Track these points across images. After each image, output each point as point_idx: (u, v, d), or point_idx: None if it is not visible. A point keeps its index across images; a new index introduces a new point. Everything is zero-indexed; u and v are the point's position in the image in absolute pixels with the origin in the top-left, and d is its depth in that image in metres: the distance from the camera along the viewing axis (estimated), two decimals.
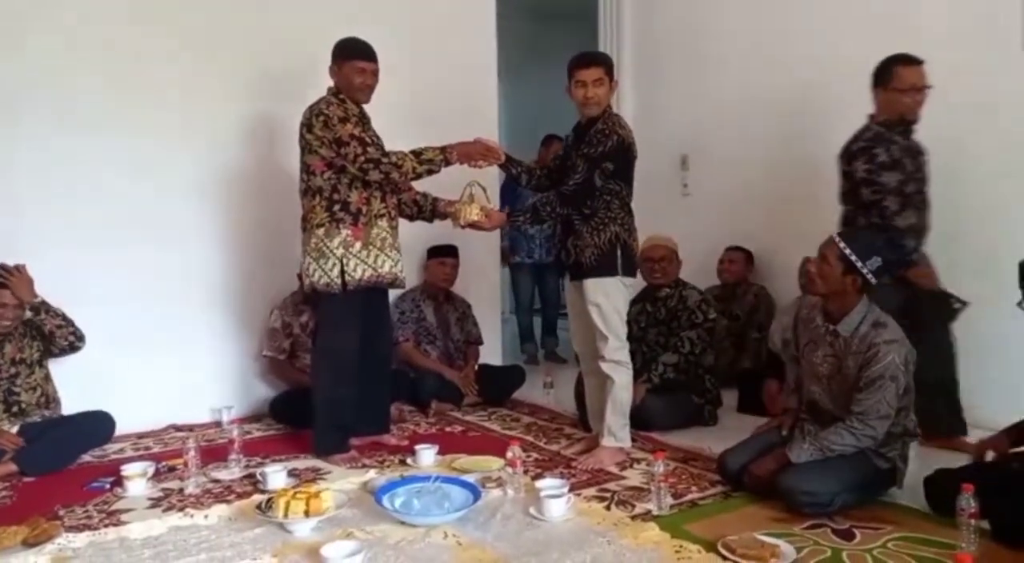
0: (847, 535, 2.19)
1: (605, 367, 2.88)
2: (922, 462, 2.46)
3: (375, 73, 2.99)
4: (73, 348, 3.14)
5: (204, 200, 3.68)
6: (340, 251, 2.91)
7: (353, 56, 2.94)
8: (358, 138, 2.85)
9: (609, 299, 2.86)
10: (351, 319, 2.96)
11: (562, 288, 5.19)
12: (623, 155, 2.85)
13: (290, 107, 3.51)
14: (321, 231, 2.92)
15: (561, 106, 6.22)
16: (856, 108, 3.72)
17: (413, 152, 2.92)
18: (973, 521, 2.00)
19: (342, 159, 2.86)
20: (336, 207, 2.91)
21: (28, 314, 3.05)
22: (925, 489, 2.36)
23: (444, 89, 4.32)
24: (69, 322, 3.12)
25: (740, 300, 4.05)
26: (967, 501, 2.00)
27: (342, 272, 2.90)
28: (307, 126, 2.92)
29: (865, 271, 2.36)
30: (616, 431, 2.88)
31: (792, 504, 2.33)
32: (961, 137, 3.26)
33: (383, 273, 2.98)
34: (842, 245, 2.38)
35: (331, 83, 3.02)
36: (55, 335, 3.08)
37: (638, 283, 3.25)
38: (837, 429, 2.36)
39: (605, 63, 2.93)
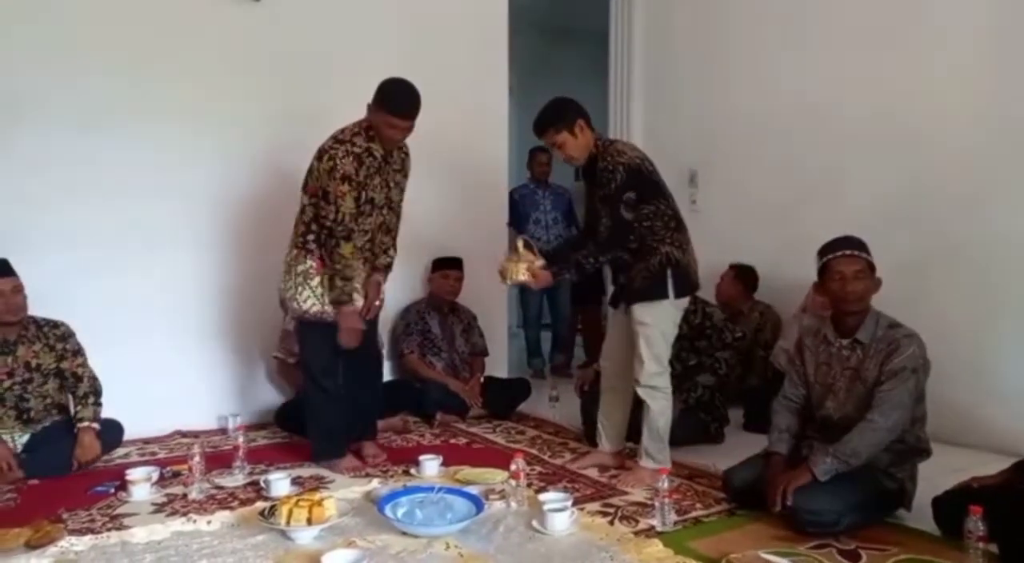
0: (853, 556, 2.17)
1: (641, 392, 2.81)
2: (931, 483, 2.43)
3: (408, 129, 2.95)
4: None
5: (217, 205, 3.71)
6: (300, 279, 2.94)
7: (392, 111, 2.88)
8: (341, 205, 2.84)
9: (657, 324, 2.79)
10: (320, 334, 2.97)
11: (573, 303, 5.21)
12: (638, 178, 2.77)
13: (299, 122, 3.58)
14: (294, 252, 2.97)
15: None
16: (865, 126, 3.76)
17: (346, 278, 2.89)
18: (981, 544, 1.98)
19: (318, 209, 2.90)
20: (311, 236, 2.94)
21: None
22: (934, 510, 2.34)
23: (454, 105, 4.35)
24: (97, 393, 3.06)
25: (745, 318, 4.03)
26: (975, 524, 1.97)
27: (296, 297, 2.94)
28: (318, 156, 2.94)
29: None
30: (655, 454, 2.82)
31: (797, 523, 2.30)
32: None
33: (329, 312, 2.93)
34: (864, 255, 2.41)
35: (363, 112, 2.99)
36: (75, 395, 3.04)
37: None
38: (858, 429, 2.31)
39: (552, 125, 2.82)
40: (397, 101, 2.88)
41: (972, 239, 3.37)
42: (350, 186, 2.84)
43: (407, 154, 3.11)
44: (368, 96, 4.19)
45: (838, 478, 2.32)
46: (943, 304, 3.38)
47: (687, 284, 2.85)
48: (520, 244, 2.88)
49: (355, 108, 4.04)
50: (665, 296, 2.78)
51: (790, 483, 2.32)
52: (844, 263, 2.40)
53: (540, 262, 2.84)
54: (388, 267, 3.13)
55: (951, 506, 2.24)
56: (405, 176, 3.12)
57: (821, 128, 3.93)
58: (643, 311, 2.80)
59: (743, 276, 4.07)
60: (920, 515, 2.41)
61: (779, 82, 4.14)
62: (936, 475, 2.49)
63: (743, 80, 4.34)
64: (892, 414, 2.30)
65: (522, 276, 2.80)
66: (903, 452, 2.40)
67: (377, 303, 3.08)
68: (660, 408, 2.82)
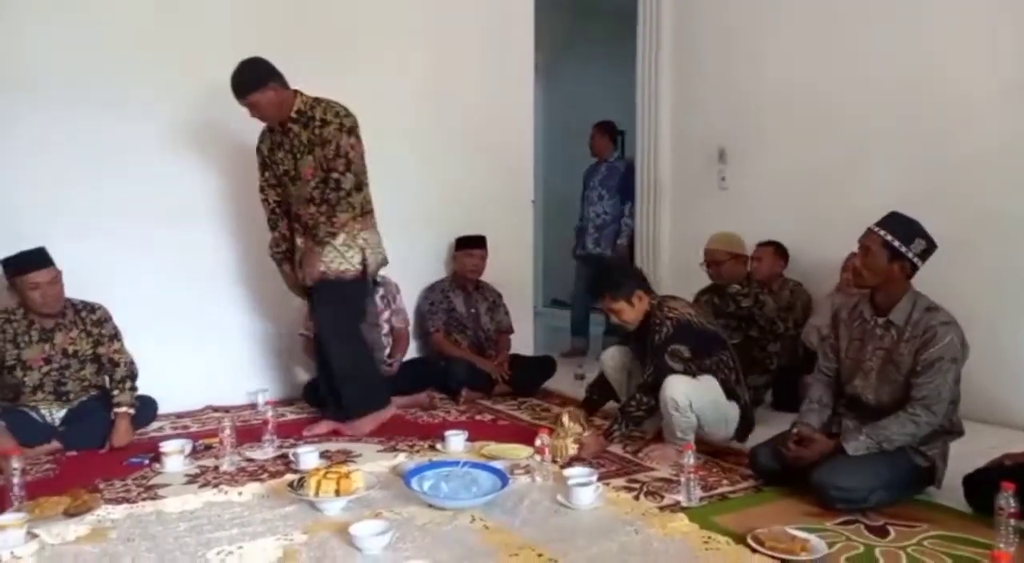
0: (881, 532, 2.15)
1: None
2: (962, 461, 2.40)
3: (249, 106, 3.01)
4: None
5: (247, 182, 3.71)
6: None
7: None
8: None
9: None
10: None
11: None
12: (687, 332, 2.81)
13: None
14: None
15: (598, 102, 6.25)
16: (895, 102, 3.67)
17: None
18: (1013, 521, 1.94)
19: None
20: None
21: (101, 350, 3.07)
22: (964, 488, 2.31)
23: (478, 83, 4.35)
24: (133, 377, 3.11)
25: (775, 296, 3.97)
26: (1007, 500, 1.94)
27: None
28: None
29: (911, 255, 2.32)
30: (678, 441, 2.81)
31: (825, 500, 2.28)
32: None
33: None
34: (883, 233, 2.34)
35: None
36: (112, 379, 3.08)
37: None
38: (898, 418, 2.29)
39: (611, 296, 2.89)
40: (233, 91, 3.00)
41: (1001, 219, 3.30)
42: (259, 157, 3.19)
43: (322, 121, 3.02)
44: (391, 73, 4.21)
45: (869, 455, 2.30)
46: (970, 284, 3.30)
47: (749, 429, 2.95)
48: (565, 418, 2.88)
49: (378, 85, 4.07)
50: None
51: (816, 448, 2.37)
52: (863, 237, 2.39)
53: (588, 432, 2.88)
54: (317, 240, 3.11)
55: (982, 484, 2.21)
56: (322, 145, 3.02)
57: (851, 104, 3.85)
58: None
59: (782, 253, 4.01)
60: (950, 493, 2.38)
61: (809, 58, 4.05)
62: (967, 454, 2.45)
63: (772, 56, 4.25)
64: (934, 408, 2.27)
65: (572, 451, 2.80)
66: (935, 431, 2.36)
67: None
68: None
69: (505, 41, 4.49)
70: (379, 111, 4.02)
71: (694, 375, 2.82)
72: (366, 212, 3.20)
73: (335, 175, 3.01)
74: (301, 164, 3.06)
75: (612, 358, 3.18)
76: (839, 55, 3.90)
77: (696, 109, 4.71)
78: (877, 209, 2.48)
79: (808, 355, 3.39)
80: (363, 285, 3.23)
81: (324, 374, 3.28)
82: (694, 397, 2.74)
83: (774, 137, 4.26)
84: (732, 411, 2.86)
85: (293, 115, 3.05)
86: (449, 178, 4.28)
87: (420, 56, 4.18)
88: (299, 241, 3.20)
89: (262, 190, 3.25)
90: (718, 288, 3.57)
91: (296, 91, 3.08)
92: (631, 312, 2.89)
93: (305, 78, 3.88)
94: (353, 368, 3.18)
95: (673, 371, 2.79)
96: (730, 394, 2.88)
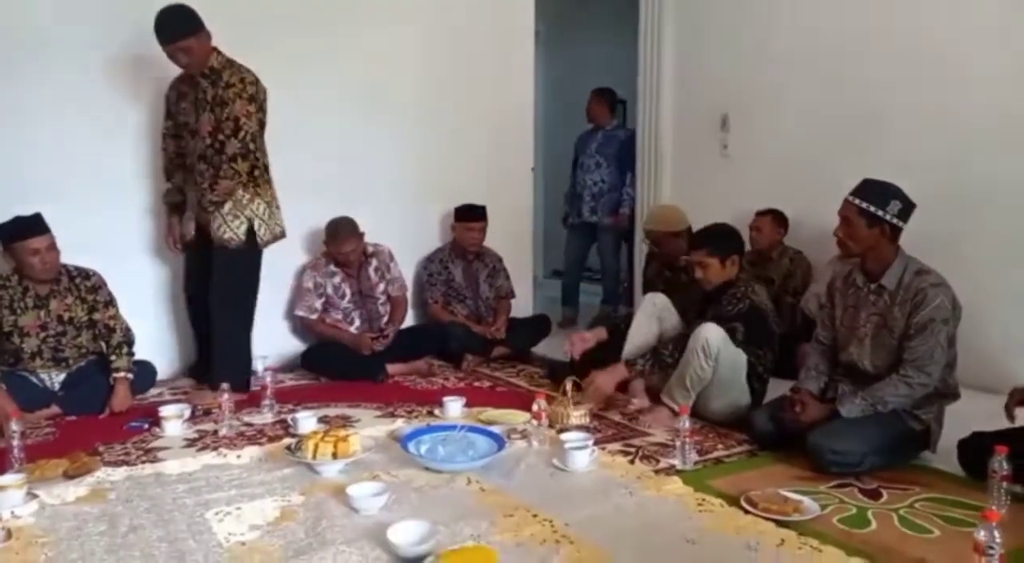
0: (874, 494, 2.17)
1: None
2: (958, 425, 2.40)
3: (174, 51, 3.00)
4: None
5: None
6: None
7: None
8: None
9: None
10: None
11: (618, 249, 5.09)
12: (756, 319, 2.83)
13: (318, 65, 3.57)
14: None
15: (600, 70, 6.18)
16: (901, 69, 3.61)
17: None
18: (1005, 484, 1.96)
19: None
20: None
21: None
22: (959, 452, 2.32)
23: (478, 50, 4.29)
24: (130, 343, 3.12)
25: (775, 264, 3.97)
26: (1000, 463, 1.95)
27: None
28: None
29: (888, 217, 2.32)
30: (678, 397, 2.81)
31: (819, 463, 2.30)
32: None
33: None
34: (857, 201, 2.36)
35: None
36: (108, 344, 3.07)
37: None
38: (891, 380, 2.31)
39: (710, 250, 2.90)
40: (156, 32, 2.97)
41: (1005, 184, 3.27)
42: (166, 104, 3.22)
43: (227, 83, 3.04)
44: (389, 38, 4.15)
45: (864, 418, 2.32)
46: (974, 249, 3.30)
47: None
48: (569, 386, 2.87)
49: (377, 50, 4.02)
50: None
51: (812, 408, 2.39)
52: (841, 208, 2.42)
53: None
54: (202, 205, 3.14)
55: (977, 447, 2.22)
56: (221, 105, 3.04)
57: (855, 71, 3.79)
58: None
59: (781, 221, 3.98)
60: (945, 457, 2.39)
61: (814, 24, 3.98)
62: (964, 420, 2.44)
63: (777, 22, 4.18)
64: (927, 369, 2.28)
65: (574, 419, 2.80)
66: (930, 395, 2.37)
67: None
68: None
69: (506, 7, 4.42)
70: (378, 77, 4.02)
71: None
72: (258, 183, 3.17)
73: (220, 137, 3.04)
74: (202, 120, 3.08)
75: (655, 303, 3.19)
76: (845, 22, 3.83)
77: (699, 75, 4.64)
78: (879, 176, 2.46)
79: (807, 323, 3.39)
80: (251, 256, 3.21)
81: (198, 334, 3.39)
82: (723, 351, 2.74)
83: (777, 105, 4.20)
84: (743, 395, 2.84)
85: (206, 70, 3.06)
86: (449, 146, 4.24)
87: (419, 23, 4.12)
88: (191, 195, 3.21)
89: (164, 137, 3.27)
90: (666, 263, 3.60)
91: (214, 48, 3.07)
92: (718, 273, 2.89)
93: (302, 41, 3.83)
94: (226, 338, 3.20)
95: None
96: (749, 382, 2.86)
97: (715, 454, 2.54)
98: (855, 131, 3.83)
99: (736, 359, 2.80)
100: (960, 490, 2.18)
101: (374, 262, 3.80)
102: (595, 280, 5.39)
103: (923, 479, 2.28)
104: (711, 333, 2.73)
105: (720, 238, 2.96)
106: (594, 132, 5.02)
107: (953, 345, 2.36)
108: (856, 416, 2.31)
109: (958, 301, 2.34)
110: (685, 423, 2.39)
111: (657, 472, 2.35)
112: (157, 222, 3.53)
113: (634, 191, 4.92)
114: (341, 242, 3.62)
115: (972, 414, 2.49)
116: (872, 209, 2.33)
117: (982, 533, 1.56)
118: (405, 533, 1.80)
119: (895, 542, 1.88)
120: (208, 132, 3.05)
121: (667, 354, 2.91)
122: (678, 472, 2.34)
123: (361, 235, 3.69)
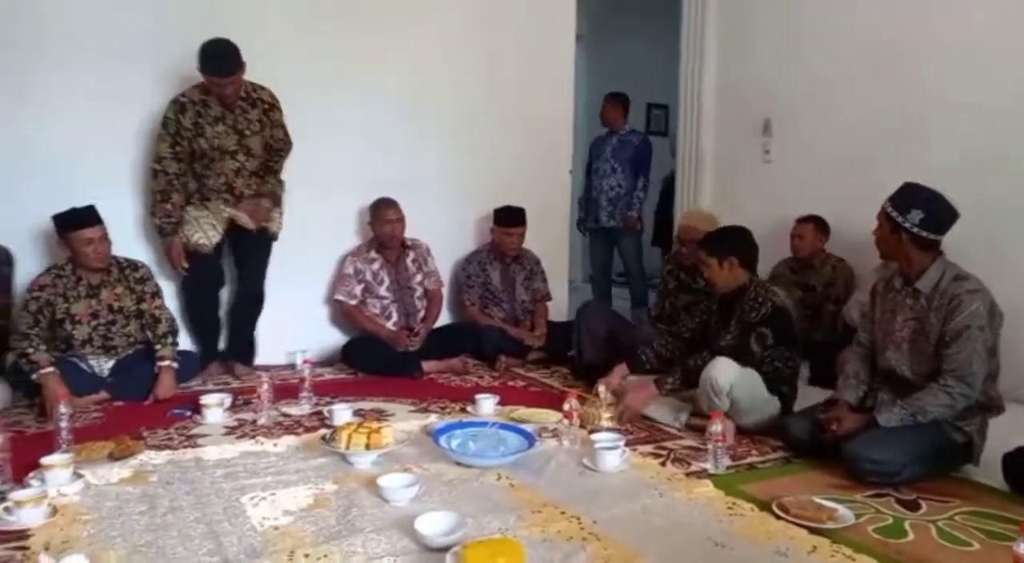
0: (912, 506, 2.11)
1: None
2: (1003, 439, 2.33)
3: (231, 85, 3.25)
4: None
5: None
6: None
7: (208, 73, 3.19)
8: (157, 147, 3.35)
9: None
10: None
11: (641, 253, 5.09)
12: (781, 319, 2.80)
13: (351, 68, 3.68)
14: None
15: (640, 73, 6.15)
16: (944, 73, 3.53)
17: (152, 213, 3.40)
18: None
19: None
20: None
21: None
22: (1004, 466, 2.25)
23: (518, 52, 4.32)
24: (174, 333, 3.24)
25: (816, 271, 3.90)
26: None
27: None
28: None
29: (908, 225, 2.27)
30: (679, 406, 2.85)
31: (856, 472, 2.25)
32: None
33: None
34: (886, 203, 2.33)
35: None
36: (154, 334, 3.18)
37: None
38: (931, 390, 2.25)
39: (708, 251, 2.91)
40: (210, 64, 3.16)
41: None
42: (165, 131, 3.27)
43: (271, 105, 3.42)
44: (430, 42, 4.22)
45: (904, 428, 2.26)
46: (1019, 252, 3.19)
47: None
48: (601, 390, 2.89)
49: (427, 52, 4.09)
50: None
51: (849, 421, 2.35)
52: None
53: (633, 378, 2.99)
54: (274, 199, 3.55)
55: (1021, 463, 2.15)
56: (273, 126, 3.44)
57: (900, 74, 3.72)
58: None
59: (823, 228, 3.92)
60: (989, 472, 2.32)
61: (855, 29, 3.93)
62: (1009, 434, 2.38)
63: (820, 27, 4.13)
64: (967, 379, 2.22)
65: (604, 422, 2.80)
66: (972, 406, 2.30)
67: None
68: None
69: (547, 9, 4.45)
70: (422, 76, 4.07)
71: (761, 364, 2.77)
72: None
73: (272, 151, 3.49)
74: (250, 141, 3.37)
75: None
76: (887, 27, 3.76)
77: (741, 80, 4.60)
78: (922, 181, 2.40)
79: (848, 331, 3.32)
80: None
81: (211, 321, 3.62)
82: (737, 383, 2.67)
83: (820, 110, 4.14)
84: (771, 405, 2.79)
85: (243, 94, 3.32)
86: (488, 148, 4.28)
87: (460, 26, 4.17)
88: (191, 211, 3.39)
89: (160, 160, 3.28)
90: (682, 265, 3.60)
91: None
92: (718, 274, 2.88)
93: (346, 43, 3.92)
94: (258, 317, 3.65)
95: (751, 352, 2.75)
96: (776, 390, 2.81)
97: (748, 460, 2.51)
98: (899, 135, 3.75)
99: (753, 385, 2.72)
100: (1004, 504, 2.11)
101: (412, 254, 3.86)
102: (622, 284, 5.36)
103: (965, 492, 2.22)
104: (718, 373, 2.67)
105: (720, 239, 2.92)
106: (608, 136, 4.97)
107: (995, 355, 2.29)
108: (895, 425, 2.26)
109: (998, 308, 2.26)
110: (716, 427, 2.37)
111: (688, 475, 2.33)
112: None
113: (645, 195, 4.87)
114: (384, 210, 3.78)
115: (1018, 427, 2.42)
116: (894, 215, 2.30)
117: (1023, 546, 1.51)
118: (433, 524, 1.82)
119: (932, 553, 1.84)
120: (261, 151, 3.43)
121: (694, 369, 2.79)
122: (710, 476, 2.32)
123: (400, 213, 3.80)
